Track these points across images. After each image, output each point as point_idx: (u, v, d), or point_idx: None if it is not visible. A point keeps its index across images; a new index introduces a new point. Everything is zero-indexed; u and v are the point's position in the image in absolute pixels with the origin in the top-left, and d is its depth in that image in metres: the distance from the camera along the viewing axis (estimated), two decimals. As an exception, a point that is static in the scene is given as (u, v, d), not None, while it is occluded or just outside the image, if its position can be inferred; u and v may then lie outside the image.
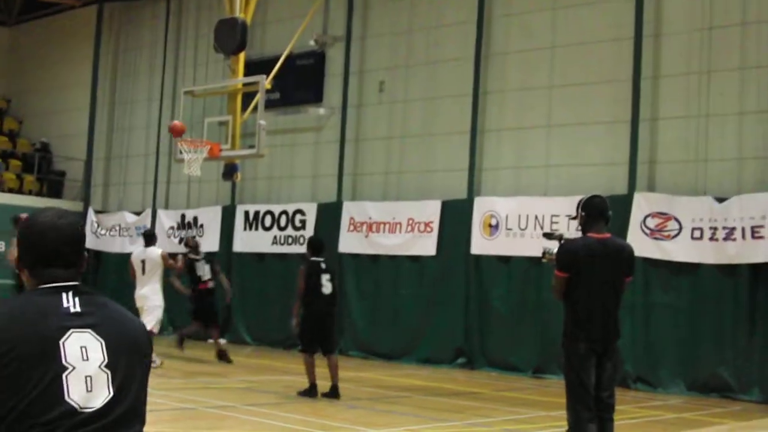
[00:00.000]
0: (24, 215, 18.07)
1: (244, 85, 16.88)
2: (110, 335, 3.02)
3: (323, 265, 12.88)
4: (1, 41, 29.71)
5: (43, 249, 3.10)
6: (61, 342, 2.92)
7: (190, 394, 12.98)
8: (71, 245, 3.15)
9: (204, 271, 17.28)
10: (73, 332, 2.95)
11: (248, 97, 16.91)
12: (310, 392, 12.63)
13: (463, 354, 18.13)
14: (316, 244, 13.27)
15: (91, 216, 25.60)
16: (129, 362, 3.04)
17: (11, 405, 2.85)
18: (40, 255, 3.10)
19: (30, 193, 26.46)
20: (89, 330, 2.99)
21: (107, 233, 25.19)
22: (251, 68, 17.85)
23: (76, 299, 3.04)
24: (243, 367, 16.66)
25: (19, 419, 2.85)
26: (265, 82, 16.20)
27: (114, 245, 24.81)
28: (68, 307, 3.01)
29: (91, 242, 25.15)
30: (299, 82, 21.36)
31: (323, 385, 12.59)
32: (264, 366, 17.46)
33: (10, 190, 26.13)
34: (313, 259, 12.91)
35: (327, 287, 12.75)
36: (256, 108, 16.52)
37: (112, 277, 23.95)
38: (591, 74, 17.33)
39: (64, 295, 3.04)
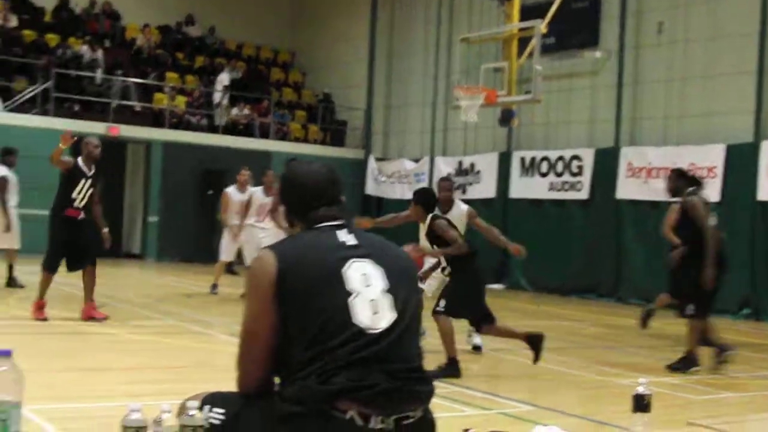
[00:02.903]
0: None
1: (520, 30, 16.85)
2: (388, 264, 3.29)
3: None
4: (285, -3, 31.05)
5: (308, 193, 3.42)
6: (343, 271, 3.20)
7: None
8: (329, 183, 3.47)
9: None
10: (353, 261, 3.24)
11: (523, 43, 16.85)
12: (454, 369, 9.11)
13: (749, 304, 17.45)
14: (434, 198, 10.04)
15: (371, 163, 26.52)
16: (407, 288, 3.30)
17: (300, 334, 3.13)
18: (307, 200, 3.42)
19: (314, 142, 27.70)
20: (368, 259, 3.27)
21: (387, 180, 26.00)
22: (526, 13, 17.75)
23: (351, 234, 3.34)
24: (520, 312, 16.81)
25: (309, 346, 3.11)
26: (541, 26, 16.08)
27: (394, 192, 25.58)
28: (344, 241, 3.31)
29: (372, 188, 26.17)
30: (574, 25, 21.04)
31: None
32: (542, 312, 17.50)
33: (296, 139, 27.48)
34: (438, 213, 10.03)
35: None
36: (531, 53, 16.45)
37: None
38: None
39: (338, 232, 3.34)
